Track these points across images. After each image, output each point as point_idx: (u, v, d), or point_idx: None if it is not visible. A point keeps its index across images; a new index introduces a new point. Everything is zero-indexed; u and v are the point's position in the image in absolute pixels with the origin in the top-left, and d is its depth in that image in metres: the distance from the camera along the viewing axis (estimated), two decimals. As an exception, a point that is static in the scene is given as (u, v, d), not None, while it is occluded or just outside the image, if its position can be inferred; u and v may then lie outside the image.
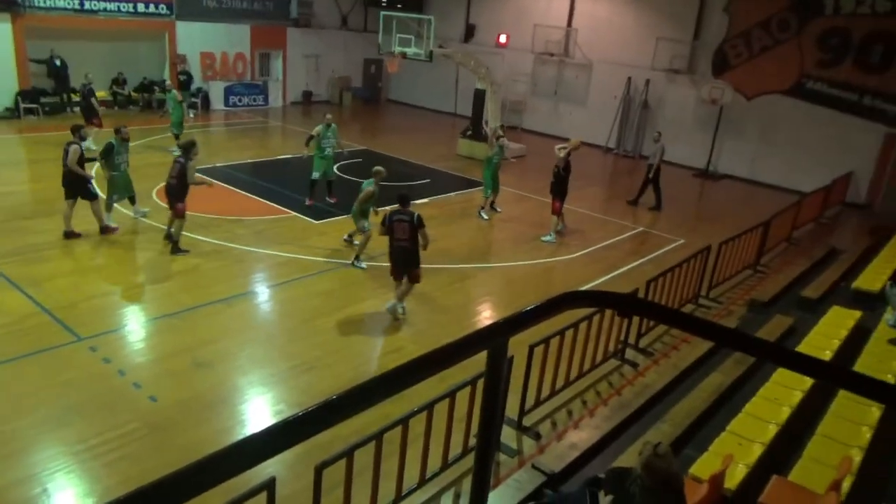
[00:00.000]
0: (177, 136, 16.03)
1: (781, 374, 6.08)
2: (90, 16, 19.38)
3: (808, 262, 11.07)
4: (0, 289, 8.53)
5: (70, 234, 10.32)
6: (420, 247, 8.47)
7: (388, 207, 8.91)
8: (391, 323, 8.72)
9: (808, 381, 5.93)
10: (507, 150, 13.95)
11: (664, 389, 6.86)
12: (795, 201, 12.82)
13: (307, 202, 12.88)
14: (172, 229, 10.25)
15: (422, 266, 8.67)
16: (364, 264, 10.47)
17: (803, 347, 6.73)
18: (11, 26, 17.98)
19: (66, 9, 18.89)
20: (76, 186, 10.26)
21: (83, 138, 10.93)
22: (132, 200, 11.39)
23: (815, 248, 12.17)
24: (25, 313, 7.98)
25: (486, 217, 13.21)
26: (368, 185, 10.18)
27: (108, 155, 10.67)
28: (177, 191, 10.12)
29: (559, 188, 12.13)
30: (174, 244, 10.16)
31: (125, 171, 11.05)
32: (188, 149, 10.36)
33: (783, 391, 5.86)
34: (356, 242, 10.79)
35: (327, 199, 13.04)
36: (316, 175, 12.78)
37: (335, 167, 13.55)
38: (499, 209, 13.64)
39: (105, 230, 10.56)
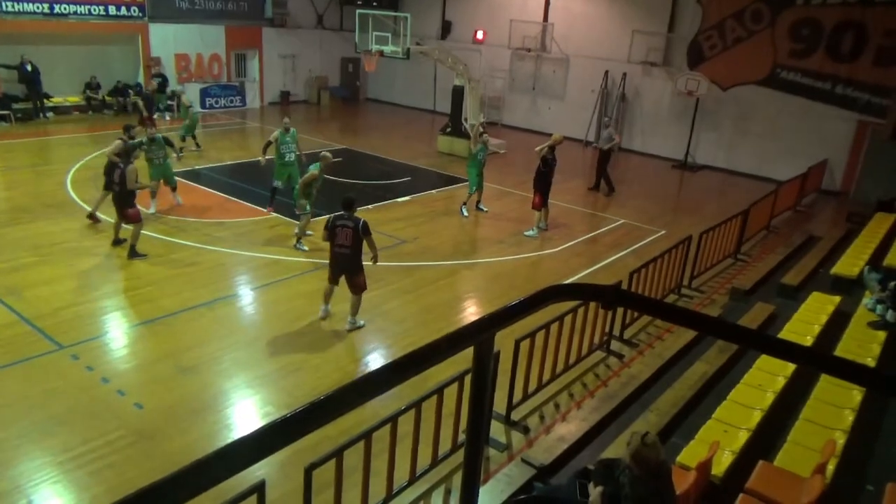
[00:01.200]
0: (196, 143, 16.80)
1: (764, 361, 6.16)
2: (60, 19, 19.07)
3: (787, 250, 11.23)
4: (-23, 299, 8.39)
5: (119, 242, 10.42)
6: (366, 257, 8.08)
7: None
8: (376, 323, 8.71)
9: (790, 367, 6.02)
10: (490, 146, 13.93)
11: (650, 379, 6.93)
12: (773, 190, 12.98)
13: (267, 210, 12.35)
14: (127, 235, 10.14)
15: (365, 274, 8.21)
16: (306, 247, 10.73)
17: (785, 334, 6.83)
18: (-21, 32, 17.66)
19: (35, 13, 18.57)
20: (126, 201, 9.99)
21: (132, 138, 11.34)
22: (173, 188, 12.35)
23: (793, 236, 12.35)
24: (4, 323, 7.84)
25: (466, 214, 13.17)
26: (314, 169, 10.49)
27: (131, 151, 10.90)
28: (122, 197, 9.92)
29: (540, 183, 12.16)
30: (131, 248, 10.02)
31: (165, 163, 12.23)
32: (129, 153, 10.32)
33: (767, 377, 5.94)
34: (307, 232, 11.04)
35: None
36: (277, 183, 12.28)
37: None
38: (485, 209, 13.58)
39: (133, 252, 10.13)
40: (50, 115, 19.43)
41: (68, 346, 7.46)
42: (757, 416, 5.36)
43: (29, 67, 18.56)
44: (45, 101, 19.31)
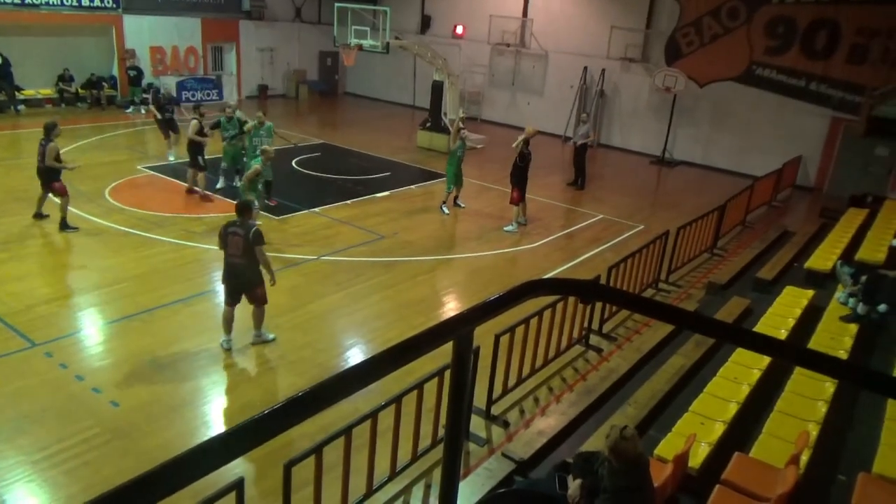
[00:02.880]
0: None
1: (740, 354, 6.25)
2: (31, 10, 18.67)
3: (763, 245, 11.39)
4: (-54, 296, 8.21)
5: (41, 216, 10.97)
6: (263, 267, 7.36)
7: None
8: (355, 318, 8.68)
9: (765, 360, 6.11)
10: (469, 142, 13.87)
11: (628, 373, 7.00)
12: (749, 185, 13.16)
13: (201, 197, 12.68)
14: (60, 211, 10.57)
15: (263, 285, 7.45)
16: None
17: (760, 327, 6.94)
18: (-53, 22, 17.24)
19: (6, 3, 18.16)
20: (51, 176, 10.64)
21: (202, 115, 12.94)
22: (238, 173, 12.74)
23: (768, 231, 12.54)
24: (-26, 320, 7.69)
25: (447, 212, 13.14)
26: (256, 163, 10.63)
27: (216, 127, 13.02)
28: (45, 174, 10.51)
29: (517, 178, 12.19)
30: (62, 220, 10.47)
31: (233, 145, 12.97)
32: (49, 130, 10.55)
33: (742, 370, 6.03)
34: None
35: (266, 201, 12.12)
36: (224, 165, 13.24)
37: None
38: (462, 205, 13.50)
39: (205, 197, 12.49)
40: (22, 107, 19.03)
41: (41, 343, 7.33)
42: (733, 409, 5.44)
43: (0, 59, 18.15)
44: (16, 93, 18.90)
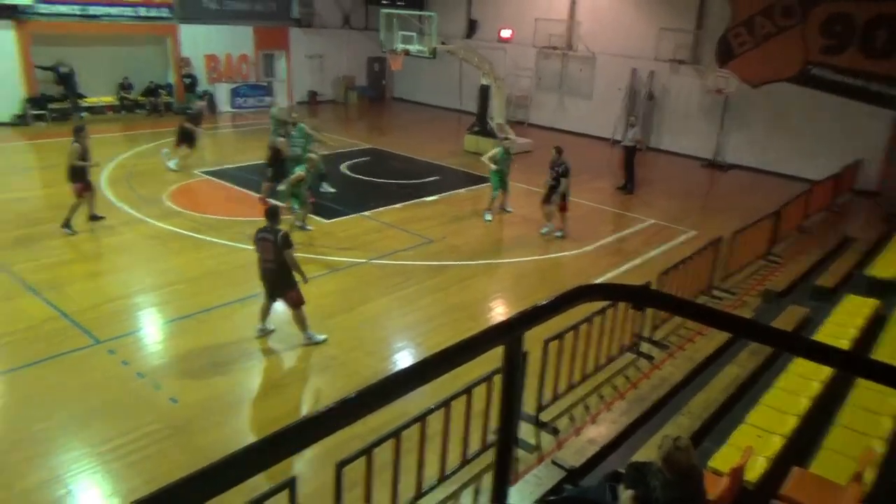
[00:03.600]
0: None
1: (799, 365, 6.07)
2: (93, 21, 19.45)
3: (822, 251, 11.03)
4: (19, 294, 8.62)
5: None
6: (290, 270, 7.57)
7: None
8: (403, 321, 8.76)
9: (826, 372, 5.92)
10: (513, 148, 13.67)
11: (681, 382, 6.86)
12: (806, 189, 12.76)
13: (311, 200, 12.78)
14: (81, 208, 10.99)
15: (296, 288, 7.64)
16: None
17: (819, 337, 6.71)
18: (15, 34, 18.07)
19: (68, 15, 18.96)
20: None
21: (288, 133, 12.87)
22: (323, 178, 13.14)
23: (827, 237, 12.13)
24: (44, 317, 8.05)
25: (489, 218, 12.92)
26: (300, 170, 10.80)
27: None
28: (70, 173, 10.81)
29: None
30: (66, 220, 10.76)
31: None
32: (77, 132, 10.98)
33: (801, 382, 5.85)
34: (308, 227, 11.47)
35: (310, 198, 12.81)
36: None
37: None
38: (510, 209, 13.42)
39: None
40: (85, 114, 19.83)
41: (105, 340, 7.63)
42: (791, 422, 5.29)
43: (64, 68, 18.96)
44: (80, 101, 19.71)
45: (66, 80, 19.13)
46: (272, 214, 7.58)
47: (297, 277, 7.63)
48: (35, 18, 18.29)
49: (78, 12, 19.11)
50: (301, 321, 7.76)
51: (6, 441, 5.91)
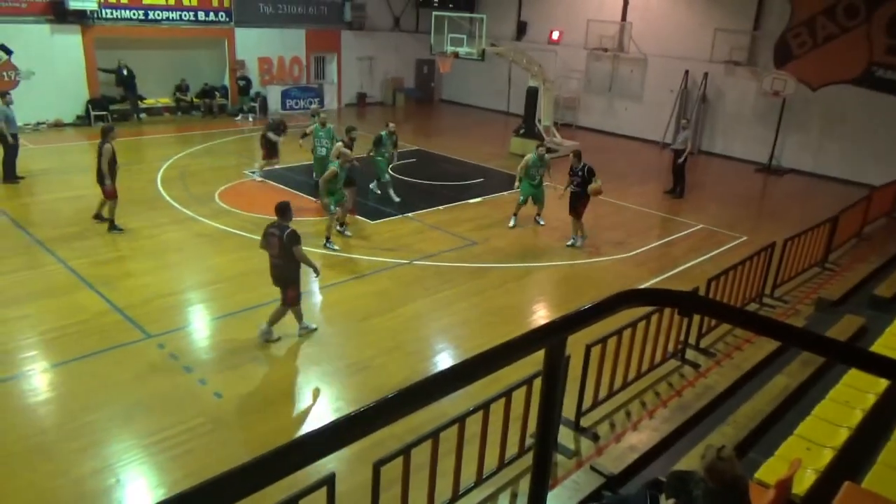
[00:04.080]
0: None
1: (853, 376, 5.82)
2: (154, 25, 20.14)
3: (881, 259, 10.56)
4: (77, 288, 8.97)
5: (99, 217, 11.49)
6: (299, 266, 7.67)
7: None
8: (443, 323, 8.76)
9: (882, 384, 5.66)
10: (548, 157, 12.69)
11: (727, 391, 6.67)
12: (866, 195, 12.24)
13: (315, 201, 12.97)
14: (104, 210, 11.27)
15: (297, 287, 7.76)
16: (336, 246, 10.82)
17: (877, 348, 6.42)
18: (82, 38, 18.86)
19: (131, 19, 19.69)
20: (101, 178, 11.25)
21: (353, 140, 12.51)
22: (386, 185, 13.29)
23: (887, 245, 11.60)
24: (99, 311, 8.36)
25: (511, 224, 12.44)
26: (333, 166, 10.66)
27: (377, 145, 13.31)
28: (98, 174, 11.02)
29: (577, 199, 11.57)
30: (110, 222, 11.06)
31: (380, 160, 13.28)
32: (107, 132, 11.17)
33: (855, 394, 5.61)
34: (347, 233, 11.45)
35: (392, 195, 13.47)
36: (315, 176, 13.26)
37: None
38: (542, 221, 12.74)
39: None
40: (143, 116, 20.54)
41: (155, 335, 7.87)
42: (843, 435, 5.07)
43: (125, 71, 19.70)
44: (139, 102, 20.42)
45: (126, 82, 19.85)
46: (282, 210, 7.62)
47: (311, 272, 7.89)
48: (99, 23, 19.06)
49: (140, 17, 19.82)
50: (278, 317, 7.85)
51: (62, 430, 6.15)
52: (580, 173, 11.46)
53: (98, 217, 11.44)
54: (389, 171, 13.92)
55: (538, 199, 12.57)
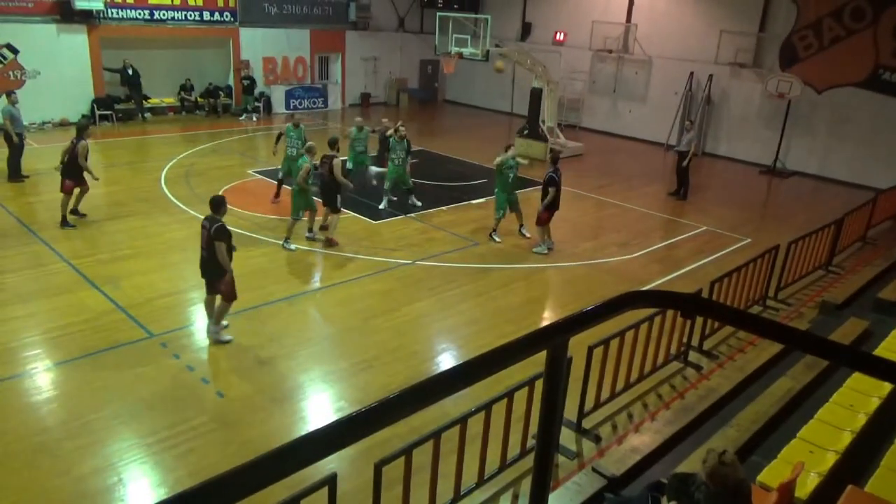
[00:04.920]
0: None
1: (857, 380, 5.80)
2: (159, 25, 20.20)
3: (886, 263, 10.53)
4: (80, 287, 8.99)
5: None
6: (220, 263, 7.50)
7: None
8: (447, 323, 8.76)
9: (885, 387, 5.64)
10: (521, 161, 12.19)
11: (730, 393, 6.65)
12: (871, 198, 12.20)
13: (272, 201, 13.15)
14: (79, 205, 11.43)
15: (233, 281, 7.63)
16: (293, 245, 10.79)
17: (881, 352, 6.40)
18: (88, 37, 18.92)
19: (137, 19, 19.74)
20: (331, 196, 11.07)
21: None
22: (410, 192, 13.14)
23: (892, 248, 11.57)
24: (103, 310, 8.38)
25: (497, 240, 11.68)
26: (305, 162, 10.64)
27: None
28: (68, 169, 11.04)
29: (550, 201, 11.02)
30: (63, 217, 11.12)
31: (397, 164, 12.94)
32: (82, 129, 11.33)
33: (859, 397, 5.60)
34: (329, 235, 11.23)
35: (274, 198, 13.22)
36: (280, 174, 13.16)
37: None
38: (527, 234, 11.83)
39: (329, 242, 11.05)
40: (148, 115, 20.59)
41: (158, 334, 7.89)
42: (847, 438, 5.06)
43: (130, 71, 19.75)
44: (144, 102, 20.47)
45: (132, 81, 19.90)
46: (215, 204, 7.60)
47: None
48: (105, 23, 19.11)
49: (146, 17, 19.87)
50: (220, 314, 7.81)
51: (63, 429, 6.16)
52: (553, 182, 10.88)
53: (75, 213, 11.47)
54: (399, 180, 13.17)
55: (515, 207, 11.81)
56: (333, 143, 11.25)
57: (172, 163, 15.57)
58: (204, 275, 7.83)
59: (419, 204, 13.38)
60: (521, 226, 12.00)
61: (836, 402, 5.56)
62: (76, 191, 11.34)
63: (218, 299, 7.78)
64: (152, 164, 15.47)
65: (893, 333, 7.01)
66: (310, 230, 11.26)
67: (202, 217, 7.92)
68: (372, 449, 5.02)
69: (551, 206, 11.04)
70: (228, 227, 7.62)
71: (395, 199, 13.53)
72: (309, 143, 11.14)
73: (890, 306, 8.48)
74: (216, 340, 7.82)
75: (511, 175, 11.61)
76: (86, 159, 11.13)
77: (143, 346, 7.62)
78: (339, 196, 10.84)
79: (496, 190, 11.87)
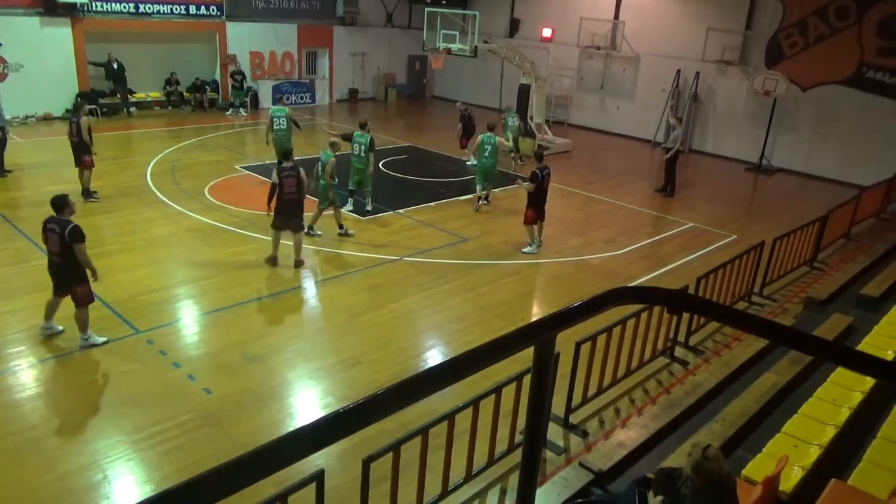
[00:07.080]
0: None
1: (840, 375, 5.87)
2: (145, 18, 19.98)
3: (869, 259, 10.65)
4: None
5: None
6: (80, 265, 6.98)
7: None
8: (435, 319, 8.76)
9: (868, 382, 5.72)
10: (505, 147, 13.93)
11: (715, 388, 6.71)
12: (855, 195, 12.34)
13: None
14: (90, 183, 12.02)
15: (85, 284, 7.15)
16: (319, 231, 11.13)
17: (864, 347, 6.49)
18: (72, 31, 18.69)
19: (122, 12, 19.52)
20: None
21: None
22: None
23: (875, 245, 11.70)
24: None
25: (483, 204, 13.31)
26: (330, 156, 10.76)
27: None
28: (79, 147, 11.80)
29: (534, 196, 10.88)
30: (84, 190, 11.90)
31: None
32: (78, 108, 12.21)
33: (842, 392, 5.67)
34: (350, 232, 11.41)
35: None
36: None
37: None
38: (487, 201, 13.46)
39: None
40: (133, 110, 20.39)
41: (144, 331, 7.83)
42: (830, 432, 5.12)
43: (115, 65, 19.54)
44: (129, 96, 20.27)
45: (117, 75, 19.69)
46: (58, 205, 6.94)
47: (88, 274, 7.15)
48: (90, 16, 18.88)
49: (131, 10, 19.66)
50: (82, 321, 7.25)
51: (49, 426, 6.12)
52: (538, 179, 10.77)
53: (87, 194, 11.96)
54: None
55: (490, 175, 13.03)
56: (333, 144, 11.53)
57: (158, 158, 15.44)
58: (59, 281, 7.15)
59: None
60: (488, 195, 13.45)
61: (820, 397, 5.63)
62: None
63: (70, 306, 7.11)
64: (138, 160, 15.33)
65: (876, 329, 7.10)
66: (340, 226, 11.29)
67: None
68: (360, 445, 5.02)
69: (533, 204, 10.91)
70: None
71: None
72: (333, 139, 11.20)
73: (873, 302, 8.58)
74: (90, 346, 7.29)
75: (488, 148, 12.81)
76: (89, 134, 11.59)
77: (129, 343, 7.56)
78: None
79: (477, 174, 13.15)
